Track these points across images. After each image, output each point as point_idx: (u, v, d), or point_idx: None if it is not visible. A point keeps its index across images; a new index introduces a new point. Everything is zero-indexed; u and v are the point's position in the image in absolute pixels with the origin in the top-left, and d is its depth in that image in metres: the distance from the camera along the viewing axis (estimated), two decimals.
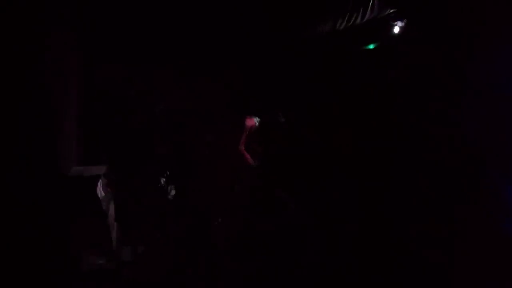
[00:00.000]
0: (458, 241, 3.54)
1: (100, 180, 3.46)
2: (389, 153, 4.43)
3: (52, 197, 3.23)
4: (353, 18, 4.23)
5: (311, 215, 4.12)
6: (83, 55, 3.89)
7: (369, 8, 4.13)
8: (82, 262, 3.36)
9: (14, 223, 2.95)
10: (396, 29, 4.36)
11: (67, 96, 3.59)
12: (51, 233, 3.16)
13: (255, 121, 4.42)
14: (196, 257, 3.65)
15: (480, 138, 3.71)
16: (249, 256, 3.80)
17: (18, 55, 3.09)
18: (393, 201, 4.09)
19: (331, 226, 4.12)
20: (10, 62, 3.03)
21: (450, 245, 3.59)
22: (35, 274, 2.98)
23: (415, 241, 3.74)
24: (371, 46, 4.64)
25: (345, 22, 4.26)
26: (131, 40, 4.05)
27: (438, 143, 4.06)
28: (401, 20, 4.29)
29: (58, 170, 3.50)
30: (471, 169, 3.77)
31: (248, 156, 4.35)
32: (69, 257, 3.27)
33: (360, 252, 3.82)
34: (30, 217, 3.05)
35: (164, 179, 3.72)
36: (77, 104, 3.70)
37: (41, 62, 3.32)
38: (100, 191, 3.54)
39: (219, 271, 3.64)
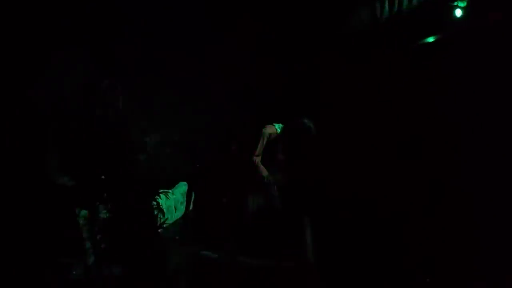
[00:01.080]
0: None
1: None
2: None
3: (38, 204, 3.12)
4: (395, 2, 3.37)
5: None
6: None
7: None
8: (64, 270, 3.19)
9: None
10: (458, 12, 3.31)
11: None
12: (35, 239, 3.06)
13: (275, 128, 3.72)
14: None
15: None
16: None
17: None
18: None
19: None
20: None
21: None
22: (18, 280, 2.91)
23: None
24: (430, 39, 3.63)
25: (386, 8, 3.42)
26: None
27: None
28: None
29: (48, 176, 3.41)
30: None
31: (262, 168, 3.65)
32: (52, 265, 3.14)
33: None
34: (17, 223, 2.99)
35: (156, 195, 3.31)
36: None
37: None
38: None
39: None
